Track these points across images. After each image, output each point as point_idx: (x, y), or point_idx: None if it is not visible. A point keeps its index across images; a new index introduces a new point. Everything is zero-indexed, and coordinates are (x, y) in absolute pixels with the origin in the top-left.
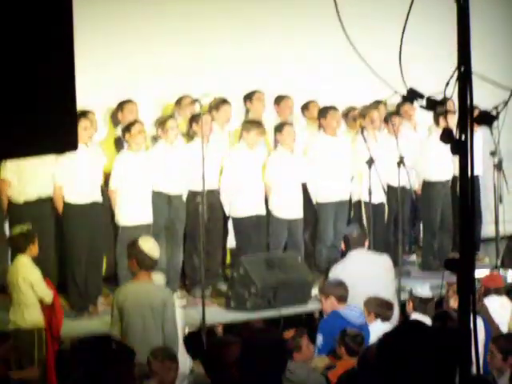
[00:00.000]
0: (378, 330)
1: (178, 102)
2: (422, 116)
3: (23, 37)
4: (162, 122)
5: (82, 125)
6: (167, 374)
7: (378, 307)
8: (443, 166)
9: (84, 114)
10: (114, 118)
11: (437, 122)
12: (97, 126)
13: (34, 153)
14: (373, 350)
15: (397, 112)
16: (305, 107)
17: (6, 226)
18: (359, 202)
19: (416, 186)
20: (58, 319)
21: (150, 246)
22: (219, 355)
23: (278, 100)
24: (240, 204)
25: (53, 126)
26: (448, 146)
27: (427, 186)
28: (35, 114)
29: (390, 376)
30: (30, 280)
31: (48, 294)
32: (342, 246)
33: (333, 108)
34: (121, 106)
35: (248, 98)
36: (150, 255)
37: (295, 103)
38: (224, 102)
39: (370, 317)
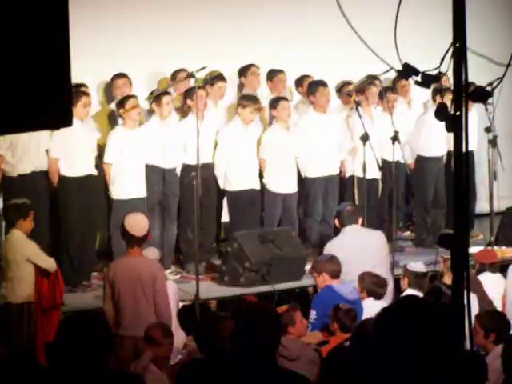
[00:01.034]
0: (370, 307)
1: (174, 75)
2: (417, 92)
3: (19, 14)
4: (156, 97)
5: (83, 102)
6: (161, 350)
7: (372, 285)
8: (437, 142)
9: (85, 91)
10: (108, 92)
11: (434, 98)
12: (91, 101)
13: (29, 128)
14: (366, 325)
15: (392, 88)
16: (298, 82)
17: (0, 200)
18: (353, 177)
19: (409, 161)
20: (61, 287)
21: (132, 224)
22: (212, 330)
23: (271, 75)
24: (234, 177)
25: (48, 102)
26: (442, 122)
27: (421, 161)
28: (30, 90)
29: (385, 352)
30: (28, 255)
31: (51, 263)
32: (336, 222)
33: (322, 84)
34: (114, 79)
35: (242, 72)
36: (131, 233)
37: (288, 78)
38: (220, 77)
39: (363, 293)
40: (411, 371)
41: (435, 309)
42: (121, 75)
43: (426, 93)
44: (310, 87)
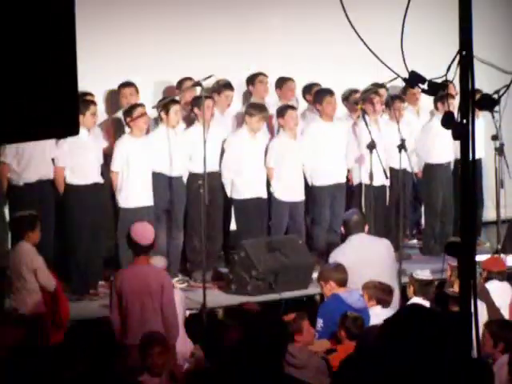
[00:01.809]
0: (377, 315)
1: (179, 84)
2: (425, 100)
3: (26, 25)
4: (164, 106)
5: (91, 110)
6: (157, 360)
7: (378, 292)
8: (445, 149)
9: (92, 100)
10: (114, 101)
11: (436, 105)
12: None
13: (36, 137)
14: (371, 333)
15: (399, 96)
16: (306, 90)
17: (6, 209)
18: (360, 185)
19: (416, 169)
20: (64, 307)
21: (138, 233)
22: (219, 339)
23: (280, 82)
24: (241, 185)
25: (55, 111)
26: (446, 129)
27: (429, 169)
28: (37, 99)
29: (389, 360)
30: (34, 267)
31: (50, 283)
32: (342, 230)
33: (329, 92)
34: (121, 88)
35: (250, 80)
36: (137, 242)
37: (297, 86)
38: (227, 86)
39: (370, 302)
40: (417, 380)
41: (439, 318)
42: (128, 84)
43: (432, 100)
44: (317, 95)
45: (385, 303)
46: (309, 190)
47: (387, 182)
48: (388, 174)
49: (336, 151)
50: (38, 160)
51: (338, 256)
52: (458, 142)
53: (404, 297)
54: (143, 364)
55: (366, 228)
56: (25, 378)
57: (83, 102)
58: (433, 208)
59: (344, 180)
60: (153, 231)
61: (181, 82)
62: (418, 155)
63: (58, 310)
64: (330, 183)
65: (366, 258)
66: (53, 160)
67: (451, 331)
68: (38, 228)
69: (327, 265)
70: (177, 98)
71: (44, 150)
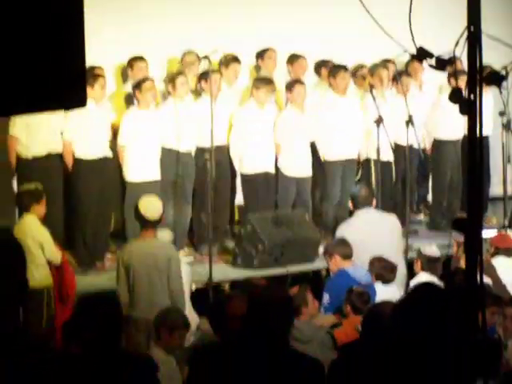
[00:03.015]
0: (378, 291)
1: (184, 58)
2: (429, 75)
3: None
4: (171, 79)
5: (100, 83)
6: (175, 342)
7: (380, 269)
8: (454, 125)
9: (100, 72)
10: (124, 75)
11: (449, 81)
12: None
13: (43, 108)
14: (377, 309)
15: (406, 71)
16: (318, 66)
17: (15, 182)
18: (368, 160)
19: (426, 145)
20: (69, 280)
21: (146, 207)
22: (224, 310)
23: (292, 59)
24: (249, 160)
25: (62, 82)
26: (453, 104)
27: (438, 144)
28: (44, 71)
29: (402, 338)
30: (40, 240)
31: (56, 255)
32: (350, 204)
33: (343, 68)
34: (131, 62)
35: (260, 55)
36: (145, 216)
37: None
38: (234, 59)
39: (372, 277)
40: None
41: (450, 297)
42: (138, 58)
43: (440, 76)
44: (332, 70)
45: (385, 280)
46: (319, 164)
47: (393, 158)
48: (394, 148)
49: (348, 126)
50: (47, 133)
51: (345, 230)
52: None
53: (411, 272)
54: (158, 340)
55: (374, 202)
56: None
57: (92, 74)
58: (441, 183)
59: (355, 156)
60: (161, 205)
61: (185, 56)
62: (427, 131)
63: (64, 283)
64: (341, 159)
65: (373, 232)
66: (61, 134)
67: (455, 306)
68: (43, 201)
69: (333, 240)
70: (184, 71)
71: (53, 123)
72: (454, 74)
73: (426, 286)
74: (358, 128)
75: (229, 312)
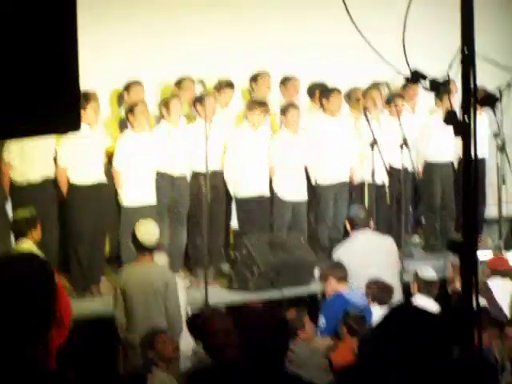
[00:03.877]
0: (375, 313)
1: (178, 83)
2: (422, 98)
3: (26, 18)
4: (165, 103)
5: (93, 106)
6: (165, 348)
7: (377, 291)
8: (444, 147)
9: (94, 96)
10: (119, 99)
11: (436, 102)
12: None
13: (35, 133)
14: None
15: (399, 93)
16: (311, 89)
17: (9, 208)
18: (362, 183)
19: (418, 166)
20: (65, 304)
21: (143, 231)
22: (203, 325)
23: (284, 81)
24: (243, 184)
25: (55, 106)
26: (449, 127)
27: (428, 167)
28: (38, 94)
29: (386, 360)
30: None
31: None
32: (348, 226)
33: (336, 90)
34: (128, 86)
35: (253, 78)
36: (141, 241)
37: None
38: (228, 84)
39: (368, 299)
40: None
41: (429, 317)
42: (136, 82)
43: (431, 98)
44: (324, 92)
45: (382, 302)
46: (312, 188)
47: (387, 180)
48: (389, 171)
49: (340, 149)
50: (41, 159)
51: (342, 252)
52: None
53: (408, 294)
54: (148, 359)
55: (371, 224)
56: None
57: (84, 97)
58: (431, 206)
59: (347, 178)
60: (157, 230)
61: (180, 81)
62: (417, 153)
63: (59, 307)
64: (333, 182)
65: (370, 254)
66: (55, 160)
67: (443, 329)
68: (39, 226)
69: (327, 262)
70: (178, 96)
71: (47, 149)
72: (439, 95)
73: (403, 306)
74: (350, 151)
75: (210, 328)
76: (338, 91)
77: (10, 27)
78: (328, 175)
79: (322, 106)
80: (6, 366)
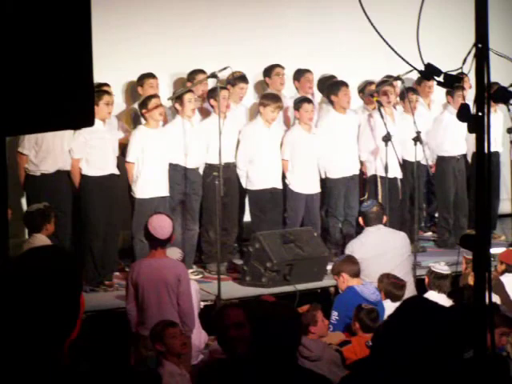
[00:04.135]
0: (387, 308)
1: (190, 76)
2: (436, 93)
3: (41, 14)
4: (179, 97)
5: (105, 100)
6: (174, 342)
7: (389, 286)
8: (457, 142)
9: (107, 91)
10: (133, 92)
11: (447, 99)
12: (113, 100)
13: (50, 128)
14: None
15: (413, 88)
16: (322, 82)
17: (24, 199)
18: (375, 176)
19: (430, 162)
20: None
21: (156, 226)
22: (216, 318)
23: (298, 74)
24: (256, 176)
25: (70, 101)
26: (460, 122)
27: (441, 161)
28: (52, 90)
29: (398, 353)
30: None
31: None
32: (361, 221)
33: (344, 84)
34: (141, 80)
35: (267, 72)
36: (155, 235)
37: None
38: (241, 78)
39: (381, 294)
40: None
41: (440, 311)
42: (149, 75)
43: (444, 93)
44: (332, 87)
45: (394, 297)
46: (322, 181)
47: (400, 175)
48: (402, 166)
49: (349, 143)
50: (56, 151)
51: (355, 247)
52: (470, 136)
53: (422, 289)
54: (158, 352)
55: (385, 220)
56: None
57: (97, 91)
58: (445, 201)
59: (358, 172)
60: (171, 225)
61: (192, 74)
62: (429, 148)
63: None
64: (344, 175)
65: (383, 250)
66: (69, 152)
67: (457, 324)
68: (53, 219)
69: (338, 258)
70: (192, 89)
71: (62, 141)
72: (451, 92)
73: (415, 300)
74: (362, 144)
75: (225, 320)
76: (346, 85)
77: (25, 24)
78: (338, 169)
79: (331, 102)
80: (31, 362)
